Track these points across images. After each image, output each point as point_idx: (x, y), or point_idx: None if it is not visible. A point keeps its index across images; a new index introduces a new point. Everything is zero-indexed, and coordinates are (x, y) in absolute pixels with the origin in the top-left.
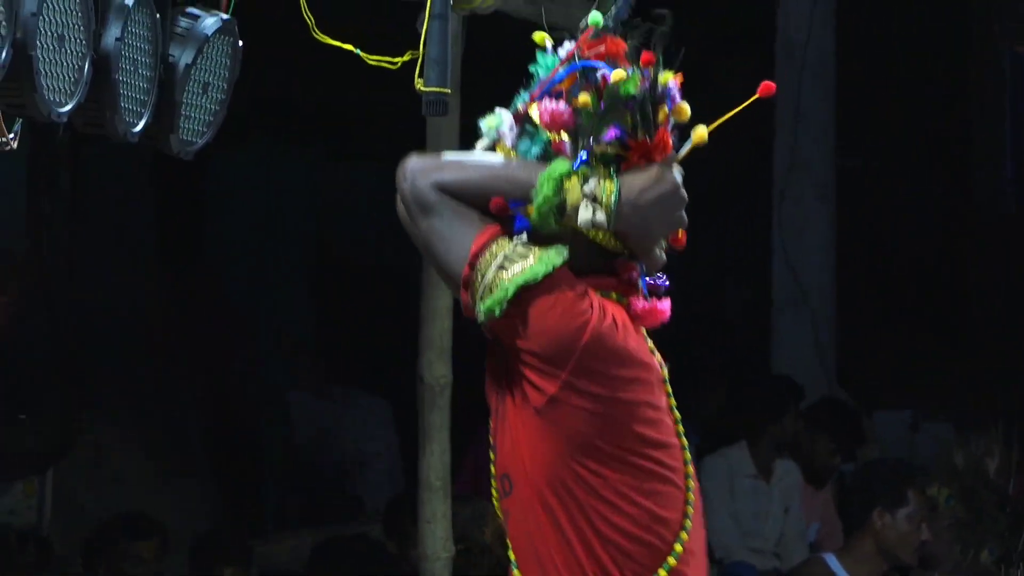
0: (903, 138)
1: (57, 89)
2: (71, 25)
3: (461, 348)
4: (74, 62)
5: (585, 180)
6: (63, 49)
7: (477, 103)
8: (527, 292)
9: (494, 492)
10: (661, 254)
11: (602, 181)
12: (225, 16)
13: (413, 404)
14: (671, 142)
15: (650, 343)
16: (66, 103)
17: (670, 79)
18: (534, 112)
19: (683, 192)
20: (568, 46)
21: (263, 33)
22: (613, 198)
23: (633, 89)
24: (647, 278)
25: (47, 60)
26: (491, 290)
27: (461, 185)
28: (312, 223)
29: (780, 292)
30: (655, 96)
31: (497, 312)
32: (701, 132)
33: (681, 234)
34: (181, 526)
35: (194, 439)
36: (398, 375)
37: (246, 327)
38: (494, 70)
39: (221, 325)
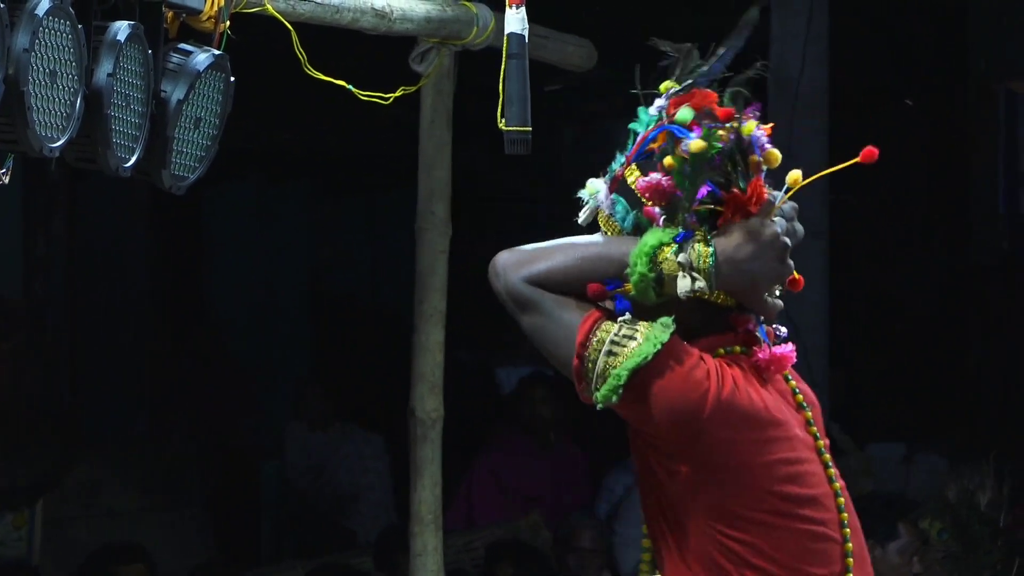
0: (897, 174)
1: (49, 124)
2: (63, 61)
3: (453, 383)
4: (66, 97)
5: (680, 248)
6: (55, 85)
7: (468, 137)
8: (640, 374)
9: (644, 566)
10: (775, 301)
11: (696, 246)
12: (217, 52)
13: (405, 438)
14: (765, 190)
15: (793, 383)
16: (58, 138)
17: (754, 128)
18: (630, 176)
19: (783, 240)
20: (660, 103)
21: (256, 69)
22: (710, 262)
23: (715, 149)
24: (765, 326)
25: (39, 96)
26: (604, 378)
27: (554, 274)
28: (306, 258)
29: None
30: (742, 146)
31: (614, 399)
32: (795, 175)
33: (798, 276)
34: (175, 559)
35: (189, 473)
36: (391, 409)
37: (241, 362)
38: (487, 105)
39: (216, 361)
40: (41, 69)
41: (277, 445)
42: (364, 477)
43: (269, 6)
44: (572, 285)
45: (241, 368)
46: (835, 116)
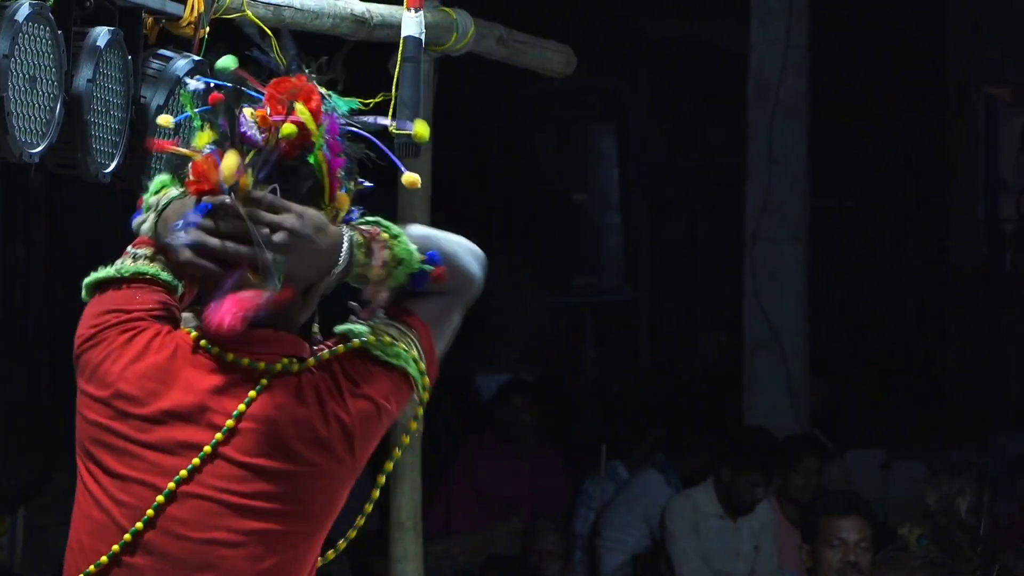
0: (877, 179)
1: (29, 130)
2: (43, 67)
3: (433, 388)
4: (46, 103)
5: None
6: (35, 91)
7: (448, 143)
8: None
9: None
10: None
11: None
12: (197, 58)
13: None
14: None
15: (250, 397)
16: (38, 144)
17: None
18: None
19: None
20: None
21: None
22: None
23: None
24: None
25: (19, 101)
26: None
27: None
28: None
29: (752, 334)
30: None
31: (83, 296)
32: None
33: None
34: None
35: None
36: None
37: None
38: (466, 111)
39: None
40: (21, 75)
41: None
42: None
43: (249, 12)
44: None
45: None
46: (815, 122)
